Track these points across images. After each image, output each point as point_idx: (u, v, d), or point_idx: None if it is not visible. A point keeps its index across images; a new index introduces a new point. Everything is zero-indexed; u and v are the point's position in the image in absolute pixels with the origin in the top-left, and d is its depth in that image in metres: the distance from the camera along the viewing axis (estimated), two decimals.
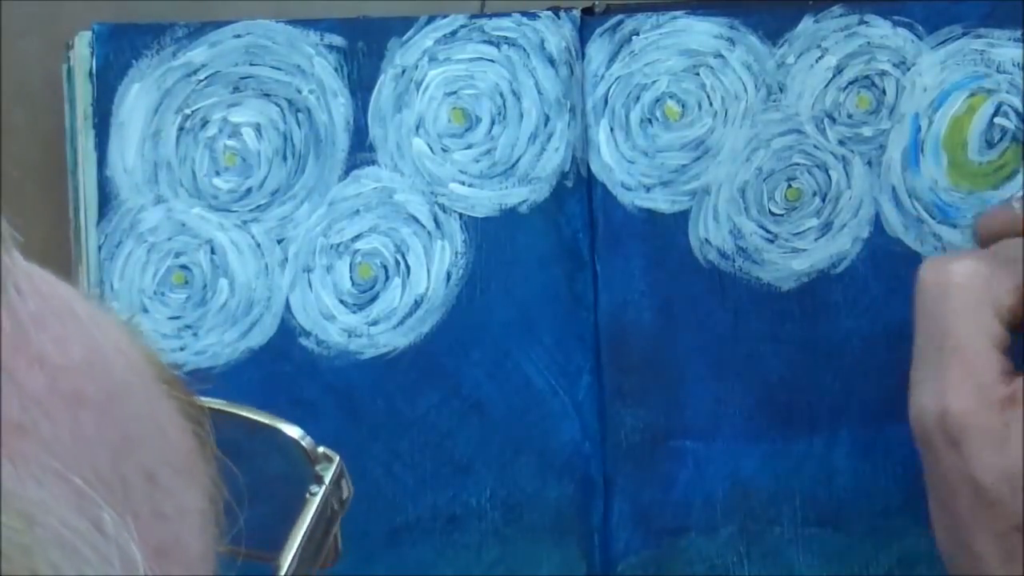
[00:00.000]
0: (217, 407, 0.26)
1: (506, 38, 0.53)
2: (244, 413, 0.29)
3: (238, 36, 0.53)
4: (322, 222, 0.53)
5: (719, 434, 0.53)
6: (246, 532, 0.24)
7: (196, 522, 0.22)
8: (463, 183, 0.53)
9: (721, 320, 0.53)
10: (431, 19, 0.54)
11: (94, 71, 0.52)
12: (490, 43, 0.53)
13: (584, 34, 0.54)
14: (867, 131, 0.54)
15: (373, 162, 0.53)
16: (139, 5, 0.55)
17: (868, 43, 0.54)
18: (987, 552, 0.44)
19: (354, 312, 0.53)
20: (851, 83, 0.54)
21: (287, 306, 0.53)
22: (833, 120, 0.54)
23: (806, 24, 0.54)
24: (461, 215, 0.53)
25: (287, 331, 0.53)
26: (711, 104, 0.54)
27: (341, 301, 0.53)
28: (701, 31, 0.53)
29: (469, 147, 0.53)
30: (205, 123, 0.53)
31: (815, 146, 0.54)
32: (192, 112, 0.53)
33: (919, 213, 0.54)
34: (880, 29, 0.54)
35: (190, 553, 0.21)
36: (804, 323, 0.53)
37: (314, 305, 0.53)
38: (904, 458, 0.53)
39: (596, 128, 0.53)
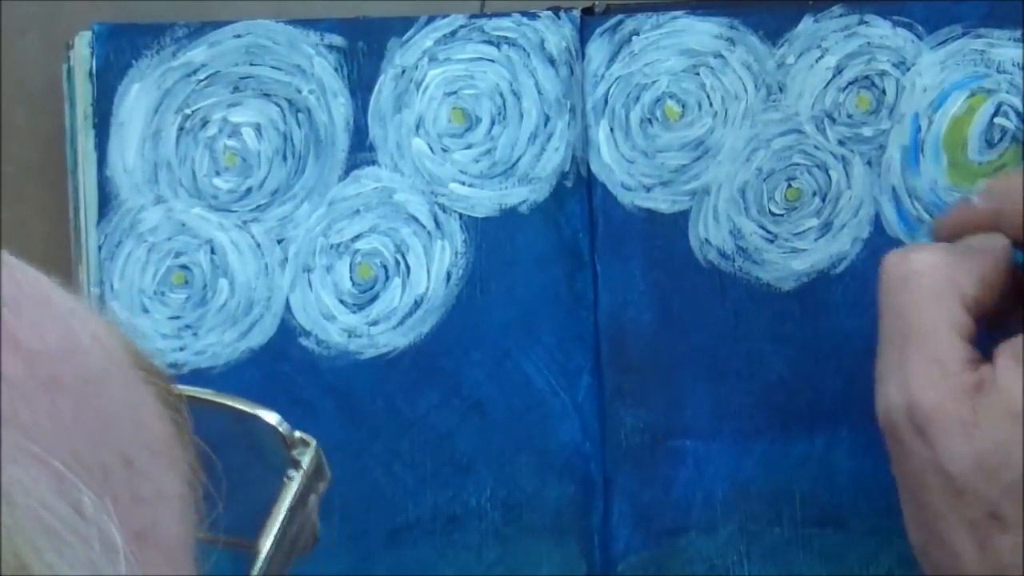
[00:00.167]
0: (194, 394, 0.26)
1: (506, 38, 0.53)
2: (221, 400, 0.29)
3: (238, 36, 0.53)
4: (322, 222, 0.53)
5: (719, 434, 0.53)
6: (225, 520, 0.24)
7: (175, 507, 0.22)
8: (463, 183, 0.53)
9: (721, 320, 0.53)
10: (431, 19, 0.54)
11: (94, 71, 0.52)
12: (490, 43, 0.53)
13: (584, 34, 0.54)
14: (867, 131, 0.54)
15: (373, 162, 0.53)
16: (139, 5, 0.55)
17: (868, 43, 0.54)
18: (960, 542, 0.44)
19: (354, 312, 0.53)
20: (851, 83, 0.54)
21: (287, 306, 0.53)
22: (833, 120, 0.54)
23: (806, 24, 0.54)
24: (461, 215, 0.53)
25: (287, 331, 0.53)
26: (711, 104, 0.54)
27: (341, 301, 0.53)
28: (701, 31, 0.54)
29: (469, 147, 0.53)
30: (205, 123, 0.53)
31: (815, 146, 0.54)
32: (192, 112, 0.53)
33: (919, 213, 0.54)
34: (880, 29, 0.54)
35: (169, 538, 0.21)
36: (804, 323, 0.53)
37: (314, 305, 0.53)
38: None
39: (596, 128, 0.53)
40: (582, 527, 0.53)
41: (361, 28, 0.53)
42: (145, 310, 0.52)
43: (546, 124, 0.53)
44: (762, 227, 0.54)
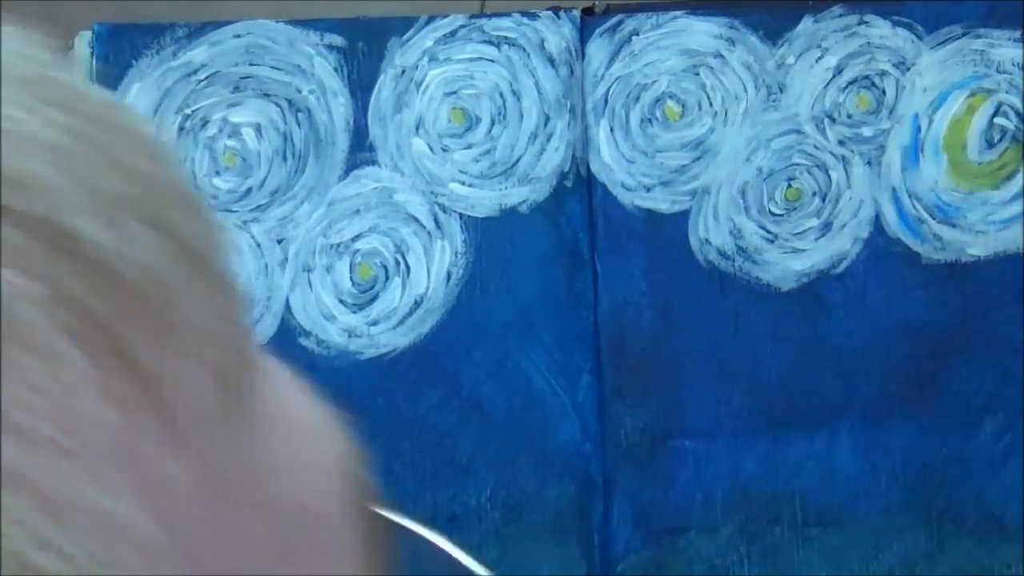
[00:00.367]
0: (404, 525, 0.25)
1: (506, 38, 0.53)
2: (432, 540, 0.28)
3: (238, 36, 0.53)
4: (322, 222, 0.53)
5: (719, 434, 0.53)
6: None
7: None
8: (463, 183, 0.53)
9: (721, 320, 0.53)
10: (431, 19, 0.54)
11: (94, 71, 0.52)
12: (490, 43, 0.53)
13: (584, 34, 0.54)
14: (867, 131, 0.54)
15: (373, 162, 0.53)
16: (139, 5, 0.55)
17: (868, 43, 0.54)
18: None
19: (354, 312, 0.53)
20: (851, 83, 0.54)
21: (287, 306, 0.53)
22: (833, 120, 0.54)
23: (806, 24, 0.54)
24: (461, 215, 0.53)
25: (287, 331, 0.53)
26: (711, 104, 0.54)
27: (341, 301, 0.53)
28: (701, 31, 0.54)
29: (469, 147, 0.53)
30: (205, 123, 0.53)
31: (815, 146, 0.54)
32: (192, 112, 0.53)
33: (919, 213, 0.54)
34: (880, 29, 0.54)
35: None
36: (804, 323, 0.53)
37: (314, 305, 0.53)
38: (904, 457, 0.53)
39: (596, 128, 0.53)
40: (582, 527, 0.53)
41: (361, 28, 0.53)
42: None
43: (546, 124, 0.53)
44: (762, 227, 0.54)
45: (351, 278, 0.53)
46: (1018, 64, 0.53)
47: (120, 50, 0.52)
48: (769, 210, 0.53)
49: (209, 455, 0.18)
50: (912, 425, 0.53)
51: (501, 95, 0.53)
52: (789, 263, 0.53)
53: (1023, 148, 0.54)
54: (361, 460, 0.22)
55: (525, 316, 0.53)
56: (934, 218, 0.53)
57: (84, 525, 0.15)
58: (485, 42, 0.53)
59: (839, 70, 0.54)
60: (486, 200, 0.53)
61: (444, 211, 0.53)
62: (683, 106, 0.54)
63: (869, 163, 0.54)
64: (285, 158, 0.53)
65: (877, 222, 0.54)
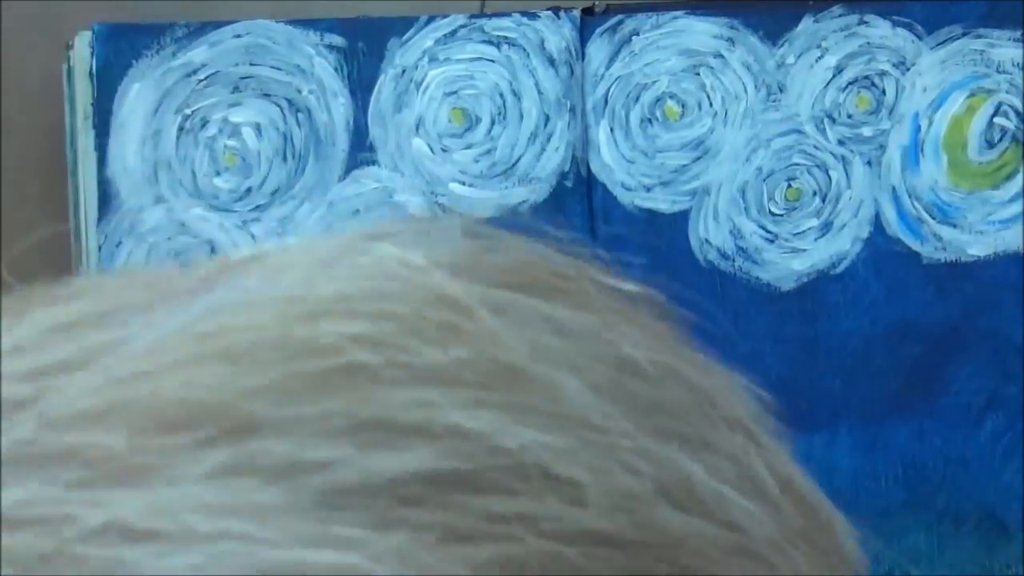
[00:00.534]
0: None
1: (506, 38, 0.53)
2: None
3: (238, 36, 0.53)
4: (322, 222, 0.53)
5: None
6: None
7: None
8: (463, 183, 0.53)
9: (721, 320, 0.53)
10: (431, 19, 0.54)
11: (94, 71, 0.52)
12: (490, 43, 0.53)
13: (584, 34, 0.54)
14: (867, 131, 0.54)
15: (373, 162, 0.53)
16: (139, 5, 0.55)
17: (868, 43, 0.54)
18: None
19: None
20: (851, 83, 0.54)
21: None
22: (833, 120, 0.54)
23: (806, 24, 0.54)
24: (461, 215, 0.53)
25: None
26: (711, 104, 0.54)
27: None
28: (701, 31, 0.54)
29: (469, 147, 0.53)
30: (205, 123, 0.53)
31: (815, 146, 0.54)
32: (192, 112, 0.53)
33: (919, 213, 0.54)
34: (880, 29, 0.54)
35: None
36: (804, 323, 0.53)
37: None
38: (904, 457, 0.53)
39: (596, 128, 0.53)
40: None
41: (361, 28, 0.53)
42: None
43: (546, 124, 0.53)
44: (762, 227, 0.54)
45: None
46: (1018, 64, 0.53)
47: (120, 50, 0.52)
48: (769, 210, 0.53)
49: None
50: (912, 425, 0.53)
51: (501, 95, 0.53)
52: (789, 263, 0.53)
53: (1023, 148, 0.54)
54: None
55: None
56: (934, 218, 0.53)
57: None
58: (485, 42, 0.53)
59: (839, 70, 0.54)
60: (486, 200, 0.53)
61: (444, 211, 0.53)
62: (683, 106, 0.54)
63: (869, 163, 0.54)
64: (285, 158, 0.53)
65: (877, 222, 0.54)
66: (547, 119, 0.53)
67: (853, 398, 0.53)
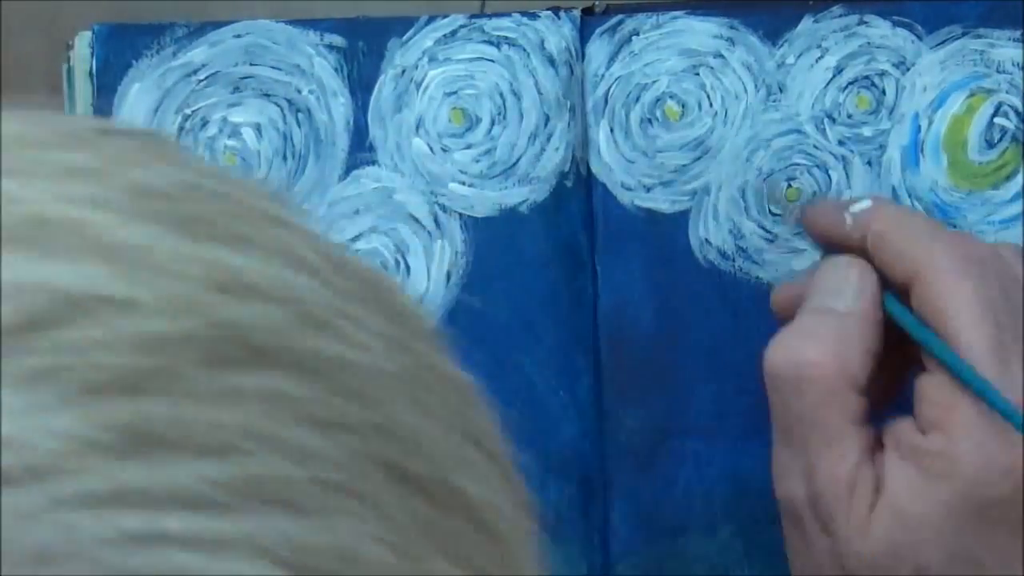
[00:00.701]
0: None
1: (506, 38, 0.53)
2: None
3: (238, 36, 0.53)
4: (322, 222, 0.53)
5: (719, 434, 0.53)
6: None
7: None
8: (463, 183, 0.53)
9: (721, 320, 0.53)
10: (431, 19, 0.54)
11: (94, 71, 0.52)
12: (490, 43, 0.53)
13: (584, 34, 0.54)
14: (867, 131, 0.54)
15: (373, 162, 0.53)
16: (139, 5, 0.55)
17: (868, 43, 0.54)
18: None
19: None
20: (851, 83, 0.54)
21: None
22: (833, 120, 0.54)
23: (806, 24, 0.54)
24: (461, 215, 0.53)
25: None
26: (711, 104, 0.54)
27: None
28: (701, 31, 0.54)
29: (469, 147, 0.53)
30: (205, 123, 0.53)
31: (815, 146, 0.54)
32: (192, 112, 0.53)
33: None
34: (880, 29, 0.54)
35: None
36: None
37: None
38: None
39: (596, 128, 0.53)
40: (582, 527, 0.53)
41: (361, 28, 0.53)
42: None
43: (546, 124, 0.53)
44: (762, 227, 0.54)
45: None
46: (1018, 64, 0.53)
47: (120, 50, 0.52)
48: (769, 210, 0.53)
49: None
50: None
51: (501, 95, 0.53)
52: (789, 263, 0.53)
53: (1023, 148, 0.54)
54: None
55: (525, 316, 0.53)
56: (934, 218, 0.53)
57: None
58: (485, 42, 0.53)
59: (839, 70, 0.54)
60: (486, 200, 0.53)
61: (444, 211, 0.53)
62: (683, 106, 0.54)
63: (869, 163, 0.54)
64: (285, 158, 0.53)
65: None
66: (547, 119, 0.53)
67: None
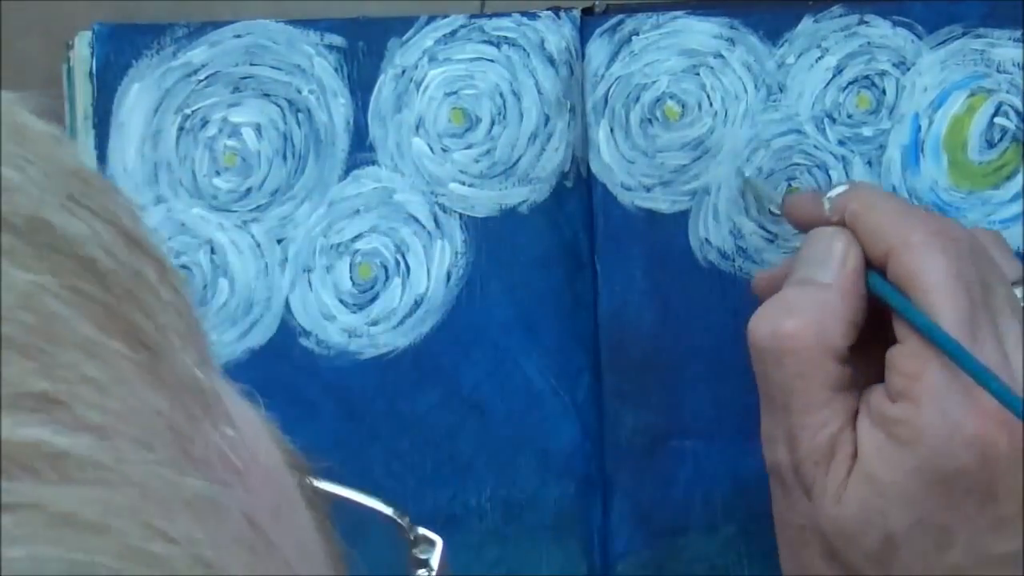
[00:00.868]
0: (321, 488, 0.26)
1: (506, 38, 0.53)
2: (348, 495, 0.29)
3: (238, 36, 0.53)
4: (322, 222, 0.53)
5: (719, 434, 0.53)
6: None
7: None
8: (463, 183, 0.53)
9: (721, 320, 0.53)
10: (431, 19, 0.54)
11: (94, 71, 0.52)
12: (490, 43, 0.53)
13: (584, 34, 0.54)
14: (867, 131, 0.54)
15: (373, 162, 0.53)
16: (139, 5, 0.55)
17: (868, 43, 0.54)
18: None
19: (354, 312, 0.53)
20: (851, 83, 0.54)
21: (287, 306, 0.53)
22: (833, 120, 0.54)
23: (806, 24, 0.54)
24: (461, 215, 0.53)
25: (287, 331, 0.53)
26: (711, 104, 0.54)
27: (341, 301, 0.53)
28: (701, 31, 0.54)
29: (469, 147, 0.53)
30: (205, 123, 0.53)
31: (815, 146, 0.54)
32: (192, 112, 0.53)
33: None
34: (880, 29, 0.54)
35: None
36: None
37: (314, 305, 0.53)
38: None
39: (596, 128, 0.53)
40: (582, 527, 0.53)
41: (361, 28, 0.53)
42: None
43: (546, 124, 0.53)
44: (762, 227, 0.54)
45: (351, 278, 0.53)
46: (1018, 64, 0.53)
47: (120, 50, 0.52)
48: (769, 210, 0.53)
49: (212, 431, 0.18)
50: None
51: (501, 95, 0.53)
52: None
53: (1023, 148, 0.54)
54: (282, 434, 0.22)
55: (525, 316, 0.53)
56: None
57: (181, 509, 0.15)
58: (485, 42, 0.53)
59: (839, 70, 0.54)
60: (486, 200, 0.53)
61: (444, 211, 0.53)
62: (683, 106, 0.54)
63: (869, 163, 0.54)
64: (285, 158, 0.53)
65: None
66: (547, 119, 0.53)
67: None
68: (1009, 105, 0.54)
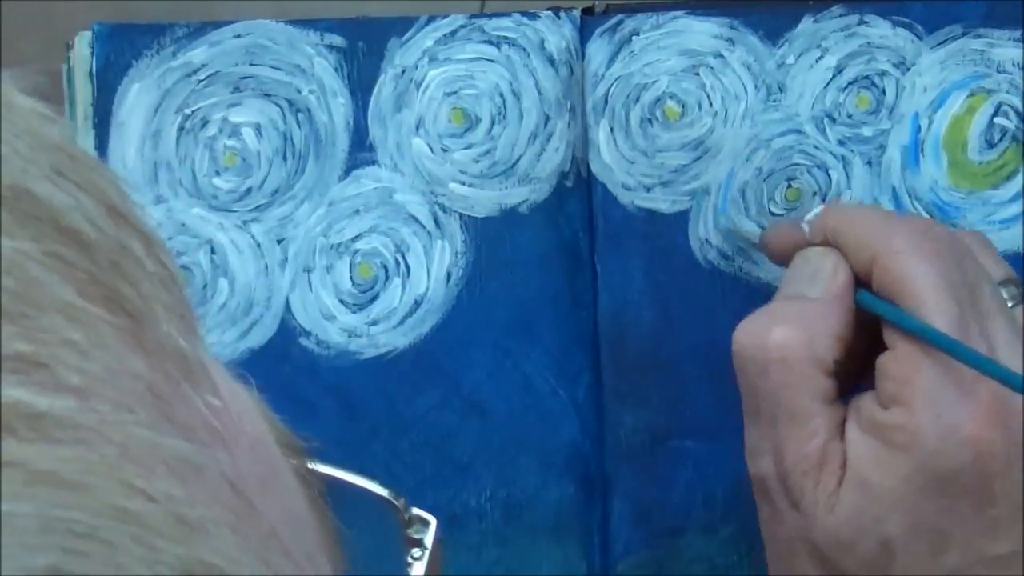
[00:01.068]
0: (316, 469, 0.26)
1: (506, 38, 0.53)
2: (343, 476, 0.29)
3: (238, 36, 0.53)
4: (322, 222, 0.53)
5: (719, 434, 0.53)
6: None
7: None
8: (463, 183, 0.53)
9: (721, 320, 0.53)
10: (431, 19, 0.54)
11: (94, 71, 0.52)
12: (490, 43, 0.53)
13: (584, 34, 0.54)
14: (867, 131, 0.54)
15: (373, 162, 0.53)
16: (139, 5, 0.55)
17: (868, 43, 0.54)
18: None
19: (354, 312, 0.53)
20: (851, 83, 0.54)
21: (287, 306, 0.53)
22: (833, 120, 0.54)
23: (806, 24, 0.54)
24: (461, 215, 0.53)
25: (287, 331, 0.53)
26: (711, 104, 0.54)
27: (341, 301, 0.53)
28: (701, 31, 0.53)
29: (469, 147, 0.53)
30: (205, 123, 0.53)
31: (815, 146, 0.54)
32: (192, 112, 0.53)
33: (919, 213, 0.54)
34: (880, 29, 0.54)
35: None
36: None
37: (314, 305, 0.53)
38: None
39: (596, 128, 0.53)
40: (582, 527, 0.53)
41: (361, 28, 0.53)
42: None
43: (546, 124, 0.53)
44: (762, 227, 0.54)
45: (351, 278, 0.53)
46: (1018, 64, 0.53)
47: (120, 50, 0.52)
48: (769, 210, 0.53)
49: (195, 398, 0.18)
50: None
51: (501, 95, 0.53)
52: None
53: (1023, 148, 0.54)
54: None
55: (525, 316, 0.53)
56: (934, 218, 0.53)
57: (161, 468, 0.16)
58: (485, 42, 0.53)
59: (839, 70, 0.54)
60: (486, 200, 0.53)
61: (444, 211, 0.53)
62: (683, 106, 0.54)
63: (869, 163, 0.54)
64: (285, 158, 0.53)
65: None
66: (547, 119, 0.53)
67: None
68: (1009, 105, 0.54)
